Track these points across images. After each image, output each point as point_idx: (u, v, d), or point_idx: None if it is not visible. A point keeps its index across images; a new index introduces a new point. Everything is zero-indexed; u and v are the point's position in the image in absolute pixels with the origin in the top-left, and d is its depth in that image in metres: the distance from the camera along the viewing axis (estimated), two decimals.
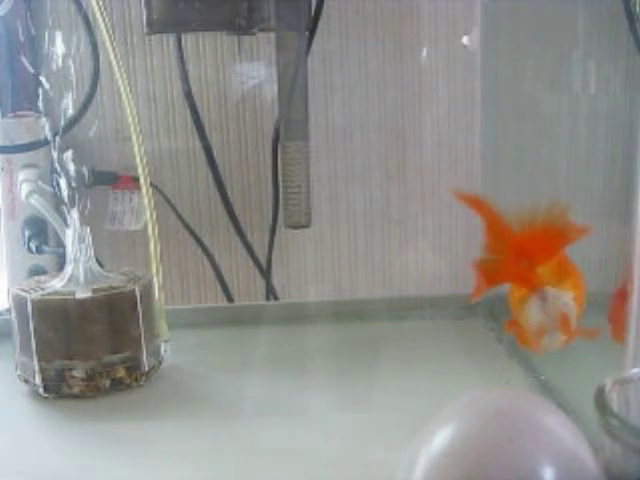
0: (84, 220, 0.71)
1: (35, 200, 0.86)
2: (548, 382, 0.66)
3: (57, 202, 0.82)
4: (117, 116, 0.92)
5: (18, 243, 0.89)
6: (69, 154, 0.70)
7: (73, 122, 0.83)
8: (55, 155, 0.71)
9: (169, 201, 0.94)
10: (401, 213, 0.98)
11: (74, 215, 0.70)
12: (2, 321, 0.77)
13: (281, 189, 0.92)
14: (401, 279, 0.99)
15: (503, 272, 0.49)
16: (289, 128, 0.88)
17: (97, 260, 0.72)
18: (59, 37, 0.80)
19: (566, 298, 0.47)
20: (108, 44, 0.71)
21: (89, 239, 0.70)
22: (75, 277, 0.70)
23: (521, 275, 0.48)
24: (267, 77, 0.92)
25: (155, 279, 0.73)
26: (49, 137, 0.75)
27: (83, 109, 0.85)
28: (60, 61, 0.74)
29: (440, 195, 0.98)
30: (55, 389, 0.67)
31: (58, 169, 0.71)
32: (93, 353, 0.67)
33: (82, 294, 0.67)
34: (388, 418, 0.62)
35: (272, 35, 0.88)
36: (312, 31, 0.88)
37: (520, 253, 0.48)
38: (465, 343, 0.78)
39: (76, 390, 0.67)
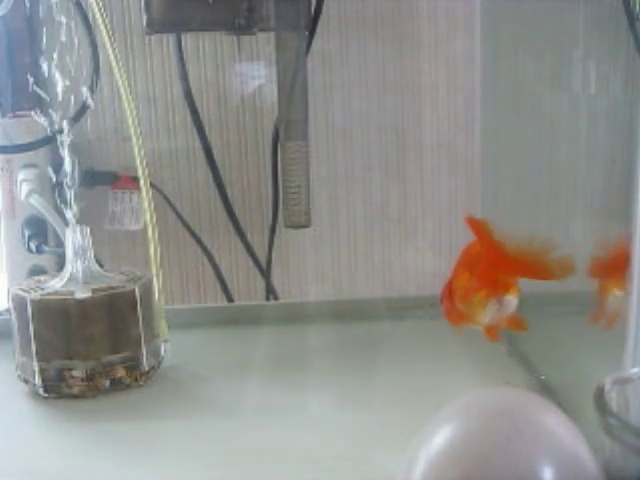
0: (84, 220, 0.71)
1: (35, 200, 0.86)
2: (548, 382, 0.66)
3: (56, 202, 0.82)
4: (117, 116, 0.92)
5: (18, 243, 0.89)
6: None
7: (73, 122, 0.83)
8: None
9: (169, 201, 0.94)
10: (401, 213, 0.98)
11: (74, 215, 0.70)
12: (2, 321, 0.77)
13: (281, 189, 0.92)
14: (401, 279, 0.99)
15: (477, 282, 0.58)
16: (289, 128, 0.88)
17: (97, 260, 0.72)
18: (59, 37, 0.80)
19: (515, 302, 0.56)
20: (108, 44, 0.71)
21: (89, 239, 0.70)
22: (75, 277, 0.70)
23: (494, 282, 0.57)
24: (267, 77, 0.92)
25: (155, 279, 0.73)
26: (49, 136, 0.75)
27: (83, 109, 0.85)
28: (60, 61, 0.74)
29: (440, 195, 0.98)
30: (55, 389, 0.67)
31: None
32: (93, 353, 0.67)
33: (82, 294, 0.67)
34: (388, 418, 0.62)
35: (272, 35, 0.88)
36: (312, 31, 0.88)
37: (500, 265, 0.57)
38: (465, 343, 0.78)
39: (76, 390, 0.67)
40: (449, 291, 0.61)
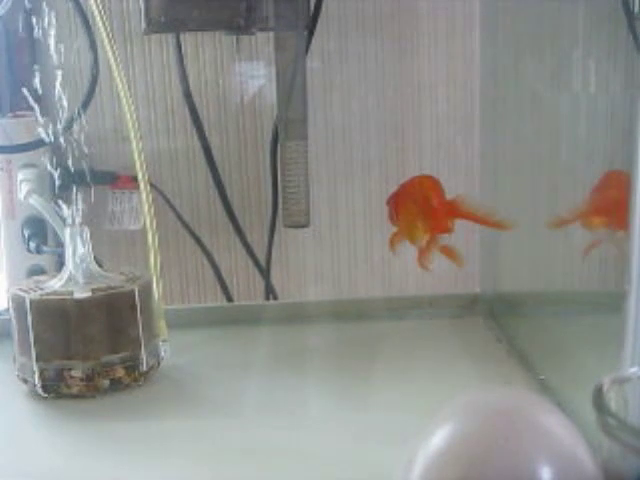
0: (83, 220, 0.71)
1: (34, 200, 0.86)
2: (547, 382, 0.66)
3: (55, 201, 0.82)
4: (116, 115, 0.92)
5: (17, 243, 0.89)
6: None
7: (72, 122, 0.83)
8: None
9: (168, 201, 0.94)
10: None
11: (73, 215, 0.70)
12: (1, 321, 0.77)
13: (280, 189, 0.92)
14: (400, 278, 0.99)
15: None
16: (288, 128, 0.88)
17: (96, 260, 0.72)
18: (58, 37, 0.80)
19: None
20: (107, 44, 0.71)
21: (88, 239, 0.70)
22: (74, 277, 0.70)
23: (433, 221, 0.71)
24: (266, 77, 0.92)
25: (154, 284, 0.73)
26: (47, 137, 0.75)
27: (82, 109, 0.85)
28: (59, 61, 0.74)
29: None
30: (54, 389, 0.67)
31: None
32: (92, 353, 0.67)
33: (81, 294, 0.67)
34: (387, 418, 0.62)
35: (271, 35, 0.88)
36: (311, 31, 0.88)
37: (442, 207, 0.71)
38: (464, 342, 0.78)
39: (75, 390, 0.67)
40: (395, 204, 0.72)
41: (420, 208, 0.71)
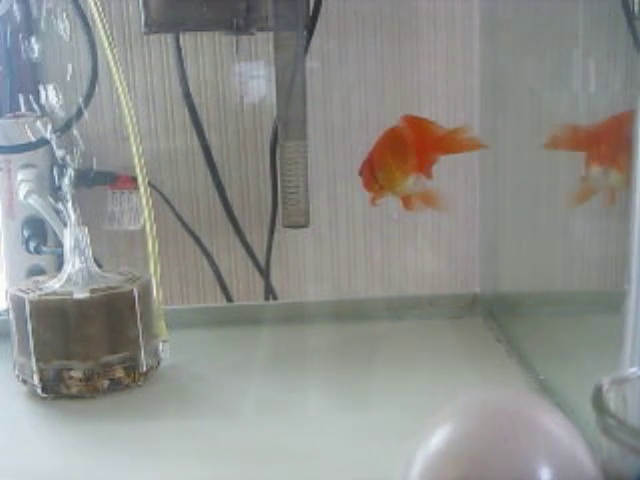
0: (83, 220, 0.71)
1: (34, 200, 0.86)
2: (547, 382, 0.66)
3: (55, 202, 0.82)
4: (116, 115, 0.92)
5: (17, 243, 0.89)
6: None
7: (72, 122, 0.83)
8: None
9: (168, 201, 0.94)
10: (400, 212, 0.98)
11: (72, 215, 0.70)
12: (1, 322, 0.77)
13: (280, 189, 0.91)
14: (400, 278, 0.99)
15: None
16: (288, 128, 0.88)
17: (95, 260, 0.72)
18: (58, 38, 0.80)
19: (429, 178, 0.71)
20: (106, 44, 0.71)
21: (87, 239, 0.70)
22: (73, 277, 0.70)
23: (415, 160, 0.71)
24: (266, 77, 0.92)
25: (154, 279, 0.73)
26: (48, 137, 0.75)
27: (81, 109, 0.85)
28: (58, 61, 0.74)
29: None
30: (53, 389, 0.67)
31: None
32: (91, 353, 0.67)
33: (80, 294, 0.67)
34: (387, 417, 0.62)
35: (270, 35, 0.87)
36: (311, 30, 0.88)
37: (423, 146, 0.71)
38: (464, 342, 0.78)
39: (74, 390, 0.67)
40: (370, 165, 0.72)
41: (397, 158, 0.71)
